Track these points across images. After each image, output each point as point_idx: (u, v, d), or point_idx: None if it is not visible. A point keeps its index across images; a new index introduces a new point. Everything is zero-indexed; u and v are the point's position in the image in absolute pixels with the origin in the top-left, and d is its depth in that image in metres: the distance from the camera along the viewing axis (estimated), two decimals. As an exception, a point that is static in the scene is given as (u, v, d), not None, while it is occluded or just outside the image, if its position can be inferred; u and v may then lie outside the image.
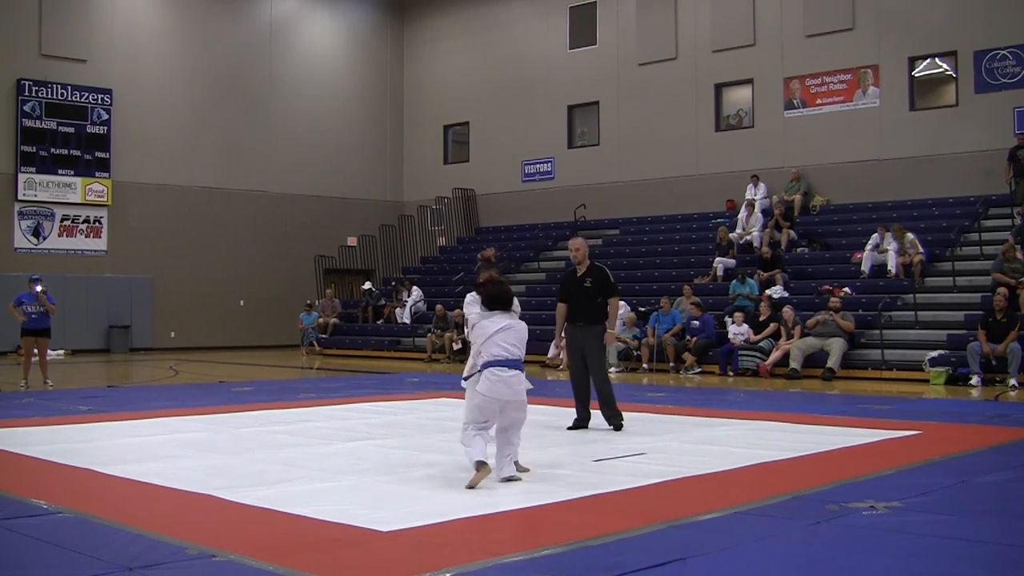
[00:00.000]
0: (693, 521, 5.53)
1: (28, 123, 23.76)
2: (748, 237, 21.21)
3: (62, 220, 24.37)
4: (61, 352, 22.64)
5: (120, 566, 4.59)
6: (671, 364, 17.93)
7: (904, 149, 20.99)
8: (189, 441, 8.81)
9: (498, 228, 27.97)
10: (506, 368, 6.64)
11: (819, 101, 22.17)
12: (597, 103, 26.11)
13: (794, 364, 16.26)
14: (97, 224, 24.88)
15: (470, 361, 7.02)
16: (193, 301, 25.98)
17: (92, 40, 24.84)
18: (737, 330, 17.38)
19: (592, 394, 9.64)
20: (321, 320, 25.35)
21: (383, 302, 25.72)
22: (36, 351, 15.03)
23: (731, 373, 17.00)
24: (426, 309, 24.07)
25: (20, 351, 16.73)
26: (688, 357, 17.76)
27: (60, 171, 24.11)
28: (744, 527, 5.42)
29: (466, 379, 7.20)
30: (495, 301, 6.85)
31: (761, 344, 17.05)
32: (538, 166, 27.25)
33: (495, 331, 6.71)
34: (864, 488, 6.45)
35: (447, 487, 6.53)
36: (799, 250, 20.65)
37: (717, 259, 20.58)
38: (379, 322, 25.17)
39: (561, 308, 9.78)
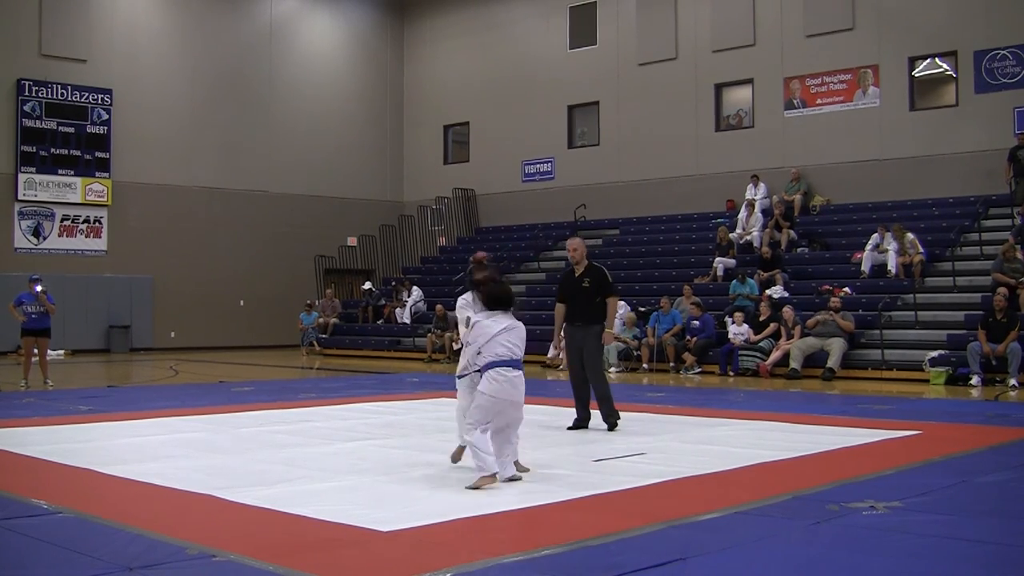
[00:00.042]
0: (693, 521, 5.53)
1: (28, 123, 23.77)
2: (748, 237, 21.21)
3: (62, 220, 24.38)
4: (61, 352, 22.64)
5: (120, 566, 4.59)
6: (671, 364, 17.93)
7: (904, 149, 20.99)
8: (189, 441, 8.81)
9: (498, 228, 27.97)
10: (511, 368, 6.65)
11: (819, 101, 22.17)
12: (597, 103, 26.12)
13: (794, 364, 16.26)
14: (97, 224, 24.88)
15: (463, 359, 7.00)
16: (193, 301, 25.98)
17: (92, 40, 24.84)
18: (737, 330, 17.38)
19: (592, 394, 9.64)
20: (321, 320, 25.35)
21: (383, 302, 25.72)
22: (36, 351, 15.03)
23: (731, 373, 17.00)
24: (426, 309, 24.07)
25: (20, 351, 16.74)
26: (688, 357, 17.76)
27: (60, 171, 24.11)
28: (744, 527, 5.42)
29: (460, 377, 7.17)
30: (497, 301, 6.83)
31: (761, 344, 17.05)
32: (538, 166, 27.25)
33: (499, 331, 6.69)
34: (864, 488, 6.45)
35: (447, 487, 6.54)
36: (799, 250, 20.65)
37: (717, 259, 20.58)
38: (379, 322, 25.17)
39: (560, 308, 9.78)
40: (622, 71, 25.44)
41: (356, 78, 29.75)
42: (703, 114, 24.03)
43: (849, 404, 12.13)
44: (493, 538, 5.32)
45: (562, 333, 9.79)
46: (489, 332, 6.68)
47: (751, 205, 21.71)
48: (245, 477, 6.92)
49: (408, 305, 24.33)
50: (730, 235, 21.01)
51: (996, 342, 14.62)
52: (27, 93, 23.73)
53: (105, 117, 24.77)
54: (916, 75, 21.24)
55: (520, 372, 6.72)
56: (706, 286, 20.11)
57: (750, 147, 23.10)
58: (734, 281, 19.04)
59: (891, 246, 18.26)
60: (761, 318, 17.40)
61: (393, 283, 26.45)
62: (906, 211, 20.15)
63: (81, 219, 24.65)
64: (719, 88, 23.96)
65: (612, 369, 17.97)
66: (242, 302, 27.00)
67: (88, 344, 24.26)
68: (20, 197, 23.66)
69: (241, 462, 7.60)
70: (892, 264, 18.15)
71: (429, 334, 22.15)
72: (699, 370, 17.56)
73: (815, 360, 16.35)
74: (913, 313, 17.12)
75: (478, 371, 6.76)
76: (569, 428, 9.56)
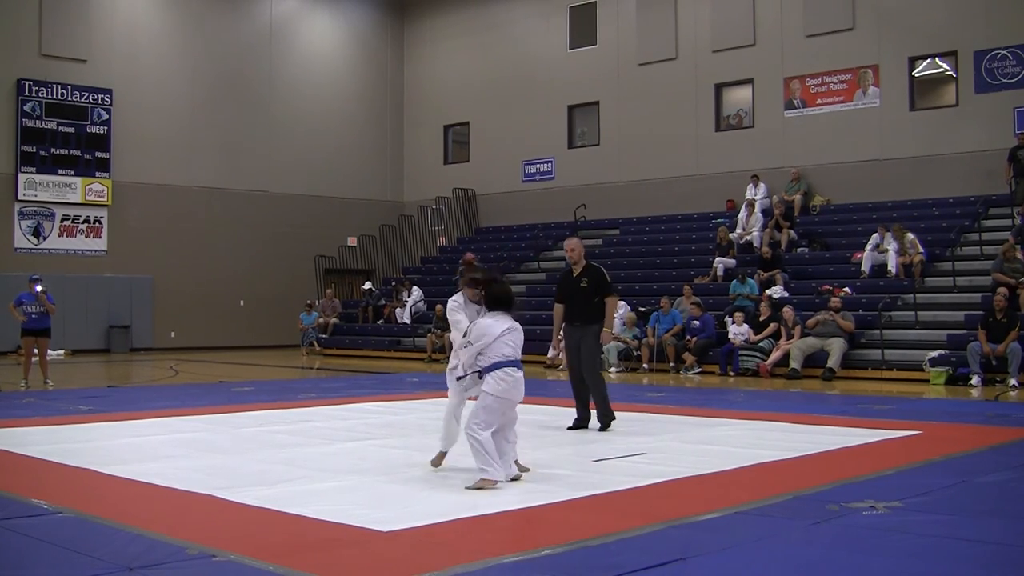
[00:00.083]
0: (693, 521, 5.53)
1: (28, 123, 23.77)
2: (748, 237, 21.21)
3: (62, 220, 24.38)
4: (61, 352, 22.64)
5: (120, 566, 4.59)
6: (671, 364, 17.93)
7: (904, 149, 20.99)
8: (189, 441, 8.81)
9: (498, 228, 27.96)
10: (516, 368, 6.66)
11: (819, 101, 22.17)
12: (597, 103, 26.12)
13: (794, 364, 16.26)
14: (97, 224, 24.88)
15: (464, 359, 6.81)
16: (193, 301, 25.98)
17: (92, 40, 24.84)
18: (737, 330, 17.38)
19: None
20: (321, 320, 25.35)
21: (383, 302, 25.72)
22: (36, 351, 15.03)
23: (731, 373, 17.00)
24: (426, 309, 24.08)
25: (20, 351, 16.74)
26: (688, 357, 17.76)
27: (60, 171, 24.11)
28: (744, 527, 5.41)
29: (461, 378, 7.09)
30: (498, 301, 6.82)
31: (761, 344, 17.05)
32: (538, 166, 27.25)
33: (503, 331, 6.68)
34: (864, 488, 6.45)
35: (447, 487, 6.54)
36: (799, 250, 20.65)
37: (717, 259, 20.58)
38: (379, 322, 25.17)
39: (558, 309, 9.79)
40: (622, 71, 25.44)
41: (356, 78, 29.75)
42: (703, 114, 24.03)
43: (849, 404, 12.13)
44: (493, 538, 5.32)
45: (561, 334, 9.80)
46: (493, 332, 6.66)
47: (751, 205, 21.71)
48: (245, 477, 6.92)
49: (408, 305, 24.33)
50: (730, 235, 21.01)
51: (996, 342, 14.62)
52: (27, 93, 23.73)
53: (105, 117, 24.77)
54: (916, 75, 21.24)
55: (522, 373, 6.74)
56: (706, 286, 20.11)
57: (750, 147, 23.10)
58: (734, 281, 19.04)
59: (891, 246, 18.26)
60: (761, 318, 17.41)
61: (393, 283, 26.45)
62: (906, 211, 20.15)
63: (81, 219, 24.65)
64: (719, 88, 23.96)
65: (612, 369, 17.99)
66: (242, 302, 27.00)
67: (88, 344, 24.26)
68: (20, 197, 23.67)
69: (241, 462, 7.60)
70: (892, 264, 18.15)
71: (429, 334, 22.15)
72: (699, 370, 17.56)
73: (815, 360, 16.35)
74: (913, 313, 17.12)
75: (478, 372, 6.73)
76: (569, 428, 9.56)
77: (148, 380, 17.75)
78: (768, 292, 18.33)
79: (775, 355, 16.73)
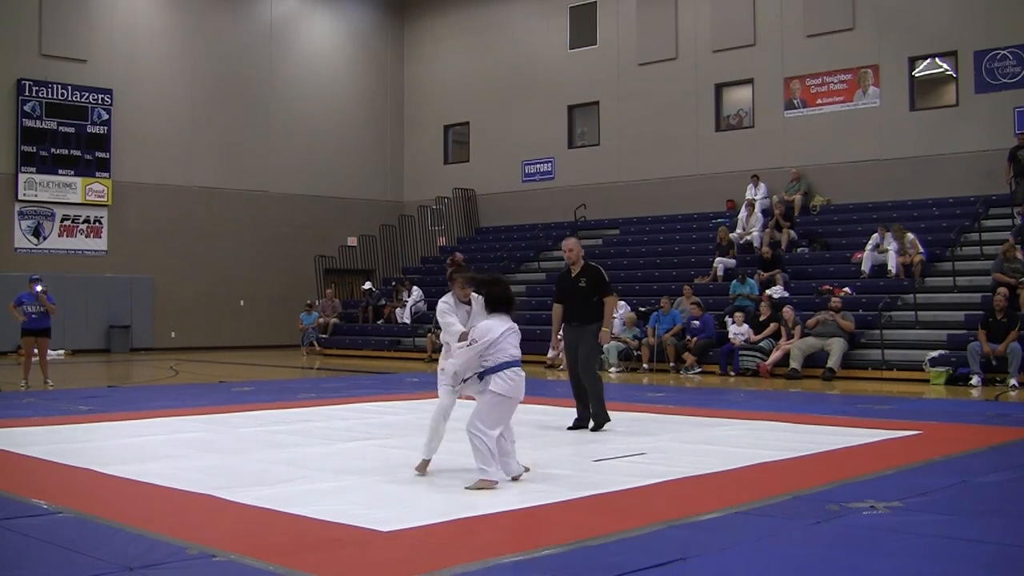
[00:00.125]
0: (693, 521, 5.53)
1: (28, 123, 23.77)
2: (748, 237, 21.21)
3: (62, 220, 24.37)
4: (61, 352, 22.64)
5: (120, 566, 4.59)
6: (671, 364, 17.93)
7: (904, 149, 20.99)
8: (189, 441, 8.81)
9: (498, 228, 27.96)
10: (519, 368, 6.68)
11: (819, 101, 22.17)
12: (597, 103, 26.12)
13: (794, 364, 16.26)
14: (97, 224, 24.88)
15: (464, 360, 6.71)
16: (193, 301, 25.98)
17: (92, 40, 24.84)
18: (737, 330, 17.38)
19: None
20: (321, 320, 25.36)
21: (383, 302, 25.72)
22: (36, 351, 15.03)
23: (731, 373, 17.00)
24: (426, 309, 24.06)
25: (20, 351, 16.74)
26: (688, 357, 17.76)
27: (60, 171, 24.11)
28: (744, 527, 5.41)
29: (466, 380, 7.01)
30: (500, 302, 6.82)
31: (761, 344, 17.05)
32: (538, 166, 27.25)
33: (507, 331, 6.69)
34: (864, 488, 6.45)
35: (447, 487, 6.54)
36: (799, 250, 20.65)
37: (717, 259, 20.58)
38: (379, 322, 25.17)
39: (557, 309, 9.80)
40: (622, 71, 25.44)
41: (356, 78, 29.75)
42: (703, 114, 24.03)
43: (849, 404, 12.13)
44: (493, 538, 5.32)
45: (560, 335, 9.80)
46: (496, 333, 6.67)
47: (751, 205, 21.71)
48: (245, 477, 6.92)
49: (408, 305, 24.33)
50: (730, 235, 21.00)
51: (996, 342, 14.62)
52: (27, 93, 23.73)
53: (105, 117, 24.77)
54: (916, 75, 21.24)
55: (524, 373, 6.77)
56: (706, 286, 20.11)
57: (750, 147, 23.10)
58: (734, 281, 19.04)
59: (891, 246, 18.26)
60: (761, 318, 17.41)
61: (393, 283, 26.45)
62: (906, 211, 20.15)
63: (81, 219, 24.65)
64: (719, 88, 23.96)
65: (612, 369, 17.99)
66: (242, 302, 27.00)
67: (88, 344, 24.26)
68: (20, 197, 23.67)
69: (241, 462, 7.61)
70: (892, 264, 18.15)
71: (429, 334, 22.15)
72: (699, 370, 17.56)
73: (815, 360, 16.35)
74: (913, 313, 17.12)
75: (480, 373, 6.70)
76: (569, 428, 9.56)
77: (148, 380, 17.75)
78: (768, 292, 18.33)
79: (775, 355, 16.73)
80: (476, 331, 6.72)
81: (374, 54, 30.07)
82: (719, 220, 22.31)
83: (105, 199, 24.78)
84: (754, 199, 21.74)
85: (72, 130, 24.31)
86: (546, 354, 17.95)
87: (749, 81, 23.35)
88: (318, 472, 7.11)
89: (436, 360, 22.89)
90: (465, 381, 6.92)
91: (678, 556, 4.75)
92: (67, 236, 24.45)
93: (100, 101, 24.73)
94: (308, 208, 28.19)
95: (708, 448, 8.34)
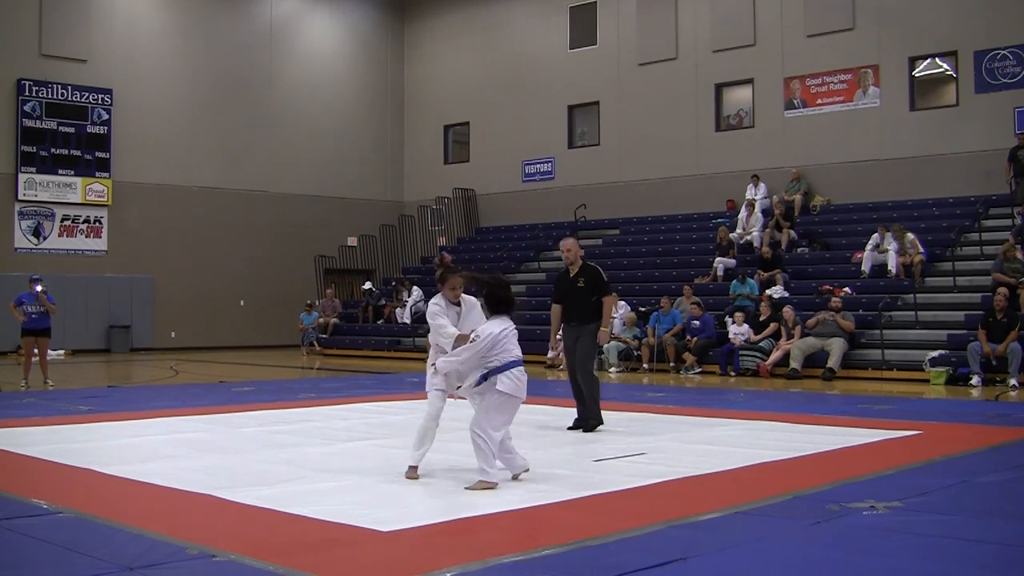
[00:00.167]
0: (693, 521, 5.53)
1: (28, 123, 23.77)
2: (748, 237, 21.21)
3: (62, 220, 24.38)
4: (61, 352, 22.64)
5: (120, 566, 4.58)
6: (671, 364, 17.93)
7: (904, 149, 20.99)
8: (189, 441, 8.80)
9: (498, 228, 27.96)
10: (522, 367, 6.68)
11: (819, 101, 22.17)
12: (597, 103, 26.12)
13: (794, 364, 16.26)
14: (97, 224, 24.88)
15: (465, 361, 6.65)
16: (193, 301, 25.98)
17: (92, 40, 24.84)
18: (737, 330, 17.38)
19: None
20: (321, 320, 25.36)
21: (383, 302, 25.73)
22: (36, 351, 15.03)
23: (731, 373, 17.00)
24: (426, 309, 24.04)
25: (20, 351, 16.74)
26: (688, 357, 17.76)
27: (60, 171, 24.11)
28: (744, 527, 5.41)
29: (478, 383, 6.85)
30: (501, 303, 6.81)
31: (761, 344, 17.05)
32: (538, 166, 27.25)
33: (509, 331, 6.69)
34: (864, 488, 6.44)
35: (447, 487, 6.54)
36: (799, 250, 20.65)
37: (717, 259, 20.58)
38: (379, 322, 25.17)
39: (556, 309, 9.80)
40: (622, 71, 25.44)
41: (356, 78, 29.75)
42: (703, 114, 24.03)
43: (849, 404, 12.13)
44: (493, 538, 5.32)
45: (559, 335, 9.80)
46: (496, 334, 6.67)
47: (751, 205, 21.71)
48: (245, 477, 6.92)
49: (408, 305, 24.33)
50: (730, 235, 21.00)
51: (996, 342, 14.62)
52: (27, 93, 23.73)
53: (105, 117, 24.78)
54: (916, 75, 21.24)
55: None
56: (706, 286, 20.11)
57: (750, 147, 23.10)
58: (734, 281, 19.04)
59: (891, 246, 18.26)
60: (761, 318, 17.40)
61: (393, 283, 26.45)
62: (906, 211, 20.15)
63: (81, 219, 24.65)
64: (719, 88, 23.96)
65: (612, 369, 17.99)
66: (242, 302, 27.00)
67: (88, 344, 24.26)
68: (20, 197, 23.67)
69: (241, 462, 7.60)
70: (892, 264, 18.15)
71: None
72: (699, 370, 17.56)
73: (815, 360, 16.35)
74: (913, 313, 17.12)
75: (485, 374, 6.66)
76: (569, 428, 9.55)
77: (148, 380, 17.75)
78: (768, 292, 18.33)
79: (775, 355, 16.73)
80: (482, 331, 6.67)
81: (374, 54, 30.07)
82: (719, 220, 22.31)
83: (105, 199, 24.78)
84: (754, 199, 21.74)
85: (72, 130, 24.31)
86: (546, 354, 17.96)
87: (749, 81, 23.36)
88: (318, 472, 7.11)
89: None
90: (460, 387, 6.82)
91: (678, 556, 4.74)
92: (67, 236, 24.45)
93: (100, 101, 24.73)
94: (308, 208, 28.19)
95: (708, 448, 8.33)
